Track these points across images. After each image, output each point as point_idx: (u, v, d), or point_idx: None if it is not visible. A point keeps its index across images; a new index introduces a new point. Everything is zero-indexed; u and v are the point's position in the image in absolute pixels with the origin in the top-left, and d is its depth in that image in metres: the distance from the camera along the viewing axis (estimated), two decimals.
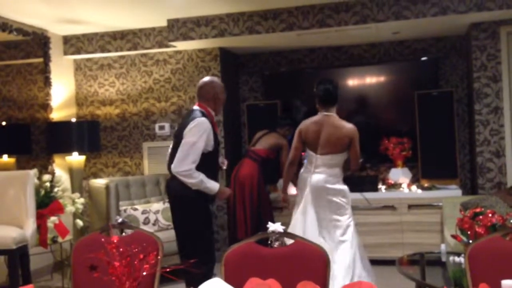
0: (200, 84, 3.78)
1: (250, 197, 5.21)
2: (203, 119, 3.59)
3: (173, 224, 3.79)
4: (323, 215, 4.08)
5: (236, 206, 5.25)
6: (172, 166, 3.57)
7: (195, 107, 3.73)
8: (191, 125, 3.56)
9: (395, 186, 5.52)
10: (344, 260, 3.95)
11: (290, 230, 3.95)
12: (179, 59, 6.02)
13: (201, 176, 3.54)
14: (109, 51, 5.96)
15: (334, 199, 4.08)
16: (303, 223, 4.10)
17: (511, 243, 2.31)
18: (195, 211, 3.64)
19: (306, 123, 4.17)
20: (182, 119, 3.84)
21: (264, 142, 5.36)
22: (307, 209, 4.11)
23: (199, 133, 3.54)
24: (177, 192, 3.65)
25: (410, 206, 5.28)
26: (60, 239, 4.81)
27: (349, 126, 4.05)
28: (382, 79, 5.98)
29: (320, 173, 4.09)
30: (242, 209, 5.22)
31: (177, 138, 3.65)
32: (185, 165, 3.52)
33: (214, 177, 3.68)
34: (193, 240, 3.63)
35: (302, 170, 4.27)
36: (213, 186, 3.62)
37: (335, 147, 4.04)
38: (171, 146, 3.78)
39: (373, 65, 6.02)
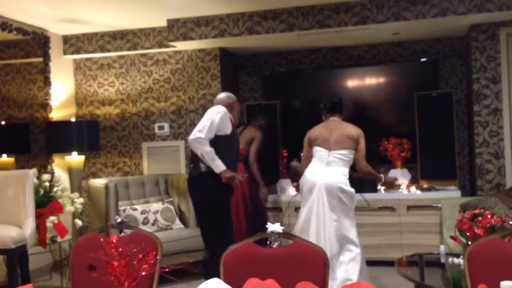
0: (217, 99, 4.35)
1: (242, 198, 5.17)
2: (223, 107, 4.15)
3: (201, 214, 4.18)
4: (332, 215, 4.08)
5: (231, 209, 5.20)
6: (190, 136, 4.03)
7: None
8: (212, 107, 4.17)
9: (394, 187, 5.51)
10: (351, 277, 3.97)
11: (300, 233, 4.04)
12: (178, 59, 6.03)
13: (214, 151, 3.97)
14: (108, 51, 5.96)
15: (346, 201, 4.09)
16: (316, 223, 4.09)
17: (510, 245, 2.31)
18: (221, 201, 4.11)
19: (314, 129, 4.35)
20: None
21: (242, 139, 5.24)
22: (318, 209, 4.08)
23: (216, 112, 4.07)
24: (193, 174, 4.12)
25: (409, 207, 5.28)
26: (59, 239, 4.81)
27: (356, 127, 4.28)
28: (381, 80, 5.98)
29: (333, 171, 4.12)
30: (236, 212, 5.14)
31: None
32: (200, 134, 3.97)
33: (228, 161, 4.05)
34: (221, 226, 4.09)
35: (306, 172, 4.25)
36: (219, 164, 3.98)
37: (348, 142, 4.18)
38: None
39: (372, 66, 6.03)
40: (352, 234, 4.09)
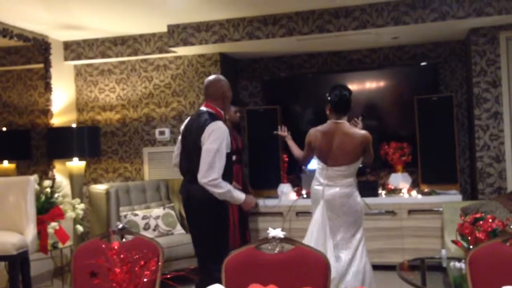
0: (206, 83, 3.69)
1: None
2: (219, 122, 3.48)
3: (192, 227, 3.68)
4: (338, 232, 3.82)
5: None
6: (199, 176, 3.39)
7: (204, 108, 3.62)
8: (209, 130, 3.42)
9: (395, 191, 5.51)
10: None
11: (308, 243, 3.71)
12: (179, 64, 6.04)
13: (229, 186, 3.44)
14: (109, 56, 5.98)
15: (351, 215, 3.80)
16: (323, 239, 3.81)
17: (511, 249, 2.31)
18: (219, 216, 3.55)
19: (316, 132, 3.87)
20: (192, 121, 3.64)
21: None
22: (323, 224, 3.83)
23: (219, 139, 3.40)
24: (199, 197, 3.48)
25: (410, 211, 5.28)
26: (60, 245, 4.81)
27: (362, 132, 3.80)
28: (381, 84, 5.98)
29: (333, 187, 3.79)
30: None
31: (190, 141, 3.54)
32: (212, 174, 3.36)
33: (229, 180, 3.54)
34: (215, 242, 3.54)
35: (313, 182, 3.96)
36: (239, 195, 3.51)
37: (349, 157, 3.76)
38: (178, 147, 3.72)
39: (372, 70, 6.03)
40: (358, 252, 3.81)
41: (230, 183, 3.54)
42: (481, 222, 3.39)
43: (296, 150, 4.20)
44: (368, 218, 5.27)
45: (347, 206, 3.78)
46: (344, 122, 3.83)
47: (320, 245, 3.72)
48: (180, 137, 3.72)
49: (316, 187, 3.90)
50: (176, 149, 3.75)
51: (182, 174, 3.70)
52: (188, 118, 3.77)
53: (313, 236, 3.83)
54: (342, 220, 3.80)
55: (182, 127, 3.72)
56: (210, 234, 3.54)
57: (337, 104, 3.80)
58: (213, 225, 3.54)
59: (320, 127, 3.89)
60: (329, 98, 3.83)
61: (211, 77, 3.76)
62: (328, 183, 3.81)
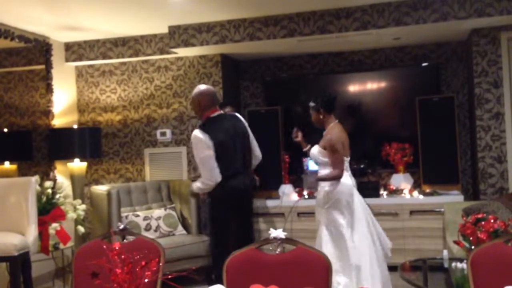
0: (214, 90, 4.43)
1: None
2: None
3: (243, 213, 4.44)
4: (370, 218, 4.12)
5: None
6: (259, 155, 4.55)
7: (222, 112, 4.40)
8: (246, 124, 4.50)
9: (397, 192, 5.51)
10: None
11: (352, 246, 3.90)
12: (180, 65, 6.04)
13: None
14: (110, 57, 5.98)
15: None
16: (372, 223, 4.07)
17: None
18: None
19: (339, 134, 4.01)
20: (227, 121, 4.33)
21: None
22: (366, 209, 4.10)
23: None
24: (248, 186, 4.39)
25: (412, 212, 5.27)
26: (61, 246, 4.81)
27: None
28: (383, 85, 5.98)
29: (351, 176, 4.13)
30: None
31: (239, 137, 4.31)
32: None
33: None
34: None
35: (334, 186, 3.95)
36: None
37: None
38: (214, 159, 4.17)
39: (374, 71, 6.03)
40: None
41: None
42: (483, 223, 3.39)
43: (328, 173, 4.05)
44: None
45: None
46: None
47: (372, 227, 4.03)
48: (214, 149, 4.14)
49: (348, 178, 4.04)
50: (214, 163, 4.17)
51: (233, 175, 4.25)
52: (210, 129, 4.19)
53: (369, 223, 4.04)
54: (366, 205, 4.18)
55: (208, 139, 4.14)
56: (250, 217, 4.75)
57: (331, 104, 4.11)
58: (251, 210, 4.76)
59: (338, 128, 4.07)
60: (319, 104, 4.10)
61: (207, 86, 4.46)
62: (350, 174, 4.12)
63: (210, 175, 4.16)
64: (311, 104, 4.16)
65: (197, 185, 4.32)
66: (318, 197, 4.08)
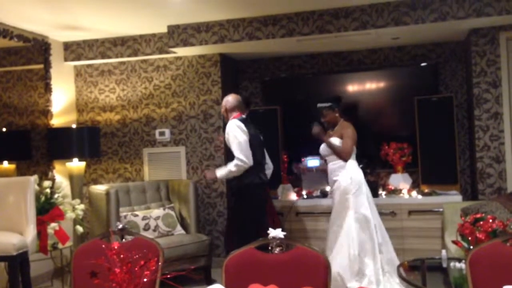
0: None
1: None
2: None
3: (263, 211, 4.71)
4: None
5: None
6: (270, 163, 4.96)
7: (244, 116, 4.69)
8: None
9: (395, 191, 5.51)
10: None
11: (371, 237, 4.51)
12: (179, 65, 6.04)
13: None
14: (109, 57, 5.98)
15: None
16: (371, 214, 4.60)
17: (511, 249, 2.31)
18: None
19: (354, 130, 4.72)
20: (251, 124, 4.66)
21: None
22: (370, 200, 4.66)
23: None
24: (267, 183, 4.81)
25: (410, 212, 5.28)
26: (60, 246, 4.81)
27: None
28: (382, 84, 5.98)
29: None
30: None
31: (260, 138, 4.72)
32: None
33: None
34: None
35: (353, 171, 4.61)
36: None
37: None
38: (250, 142, 4.52)
39: (373, 71, 6.03)
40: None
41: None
42: (481, 223, 3.39)
43: (338, 145, 4.72)
44: None
45: None
46: None
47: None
48: (248, 141, 4.52)
49: (359, 171, 4.66)
50: (249, 148, 4.52)
51: (261, 166, 4.69)
52: (243, 124, 4.56)
53: (374, 212, 4.63)
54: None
55: (246, 130, 4.54)
56: None
57: (342, 107, 4.84)
58: None
59: (350, 125, 4.75)
60: (335, 104, 4.78)
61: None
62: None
63: (247, 156, 4.44)
64: (326, 104, 4.78)
65: (228, 169, 4.50)
66: (341, 186, 4.59)
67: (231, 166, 4.48)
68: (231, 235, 4.97)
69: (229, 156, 4.67)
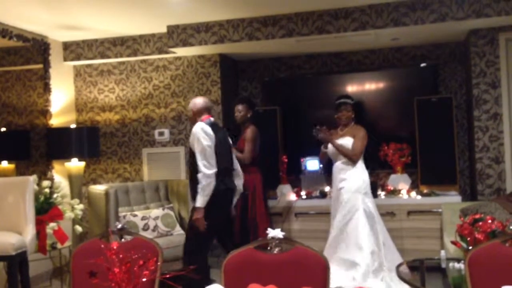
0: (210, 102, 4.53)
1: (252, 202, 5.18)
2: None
3: (234, 217, 4.58)
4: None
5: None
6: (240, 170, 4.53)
7: (212, 119, 4.39)
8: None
9: (395, 192, 5.51)
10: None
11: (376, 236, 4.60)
12: (178, 65, 6.04)
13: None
14: (109, 57, 5.98)
15: None
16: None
17: (511, 250, 2.31)
18: None
19: (366, 133, 4.77)
20: (219, 128, 4.42)
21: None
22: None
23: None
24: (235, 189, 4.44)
25: (409, 212, 5.28)
26: (59, 245, 4.80)
27: None
28: (381, 85, 5.98)
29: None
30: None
31: (229, 143, 4.45)
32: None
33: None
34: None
35: (362, 172, 4.71)
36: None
37: None
38: (216, 148, 4.22)
39: (372, 71, 6.03)
40: None
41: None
42: (480, 223, 3.39)
43: (348, 147, 4.74)
44: None
45: None
46: None
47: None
48: (213, 146, 4.21)
49: (367, 173, 4.75)
50: (213, 154, 4.22)
51: (228, 171, 4.35)
52: (211, 127, 4.27)
53: (379, 217, 4.75)
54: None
55: (213, 134, 4.24)
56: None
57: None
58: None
59: (363, 127, 4.78)
60: (353, 103, 4.84)
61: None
62: None
63: (209, 164, 4.13)
64: (349, 101, 4.81)
65: (200, 191, 4.12)
66: (352, 187, 4.66)
67: (200, 187, 4.12)
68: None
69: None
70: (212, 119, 4.38)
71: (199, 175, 4.12)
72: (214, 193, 4.14)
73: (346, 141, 4.73)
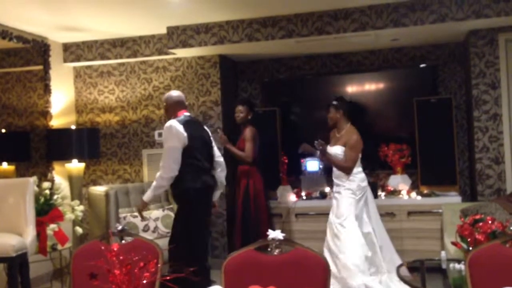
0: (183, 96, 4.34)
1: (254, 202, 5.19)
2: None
3: (210, 211, 4.37)
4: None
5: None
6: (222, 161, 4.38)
7: (188, 114, 4.24)
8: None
9: (395, 192, 5.51)
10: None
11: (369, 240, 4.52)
12: (178, 66, 6.04)
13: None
14: (108, 58, 5.98)
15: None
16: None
17: (511, 250, 2.31)
18: None
19: (360, 138, 4.61)
20: (195, 124, 4.25)
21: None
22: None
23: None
24: (214, 186, 4.31)
25: (409, 213, 5.28)
26: (59, 247, 4.80)
27: None
28: (381, 86, 5.99)
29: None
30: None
31: (206, 139, 4.26)
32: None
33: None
34: None
35: (359, 175, 4.60)
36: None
37: None
38: (191, 145, 4.06)
39: (372, 72, 6.04)
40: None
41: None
42: (480, 224, 3.39)
43: (340, 159, 4.64)
44: None
45: None
46: None
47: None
48: (181, 147, 4.04)
49: (364, 177, 4.66)
50: (179, 156, 4.05)
51: (204, 168, 4.17)
52: (185, 124, 4.08)
53: (378, 219, 4.73)
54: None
55: (185, 133, 4.04)
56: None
57: (350, 110, 4.76)
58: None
59: (356, 131, 4.64)
60: (342, 105, 4.70)
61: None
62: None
63: (169, 166, 4.01)
64: (334, 102, 4.73)
65: (152, 185, 4.11)
66: (348, 191, 4.57)
67: (153, 185, 4.09)
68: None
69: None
70: (187, 114, 4.22)
71: (157, 174, 4.08)
72: (191, 191, 4.04)
73: (335, 150, 4.64)
